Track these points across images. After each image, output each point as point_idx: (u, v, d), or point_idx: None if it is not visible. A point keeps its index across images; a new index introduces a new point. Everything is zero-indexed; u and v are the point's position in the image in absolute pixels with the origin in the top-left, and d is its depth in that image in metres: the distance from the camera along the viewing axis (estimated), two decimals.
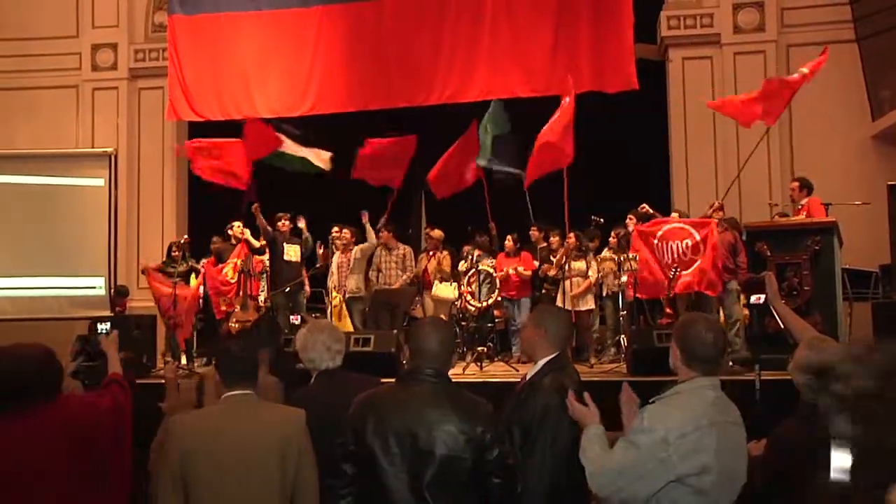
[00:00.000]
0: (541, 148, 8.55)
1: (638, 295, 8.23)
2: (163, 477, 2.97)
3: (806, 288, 7.05)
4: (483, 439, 2.80)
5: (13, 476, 2.91)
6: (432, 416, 2.80)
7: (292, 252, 9.29)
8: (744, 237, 7.79)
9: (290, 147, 9.72)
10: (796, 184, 8.33)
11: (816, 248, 7.08)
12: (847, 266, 7.74)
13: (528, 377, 3.41)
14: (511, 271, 9.15)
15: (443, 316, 8.85)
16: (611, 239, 9.09)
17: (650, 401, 2.78)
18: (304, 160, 9.76)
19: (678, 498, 2.62)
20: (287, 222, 9.29)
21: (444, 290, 9.31)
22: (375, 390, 2.98)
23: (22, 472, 2.91)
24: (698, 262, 7.88)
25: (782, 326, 3.77)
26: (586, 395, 2.97)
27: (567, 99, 8.51)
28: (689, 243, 7.96)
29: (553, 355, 3.34)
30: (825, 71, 8.89)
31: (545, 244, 9.32)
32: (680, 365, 2.80)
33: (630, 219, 8.91)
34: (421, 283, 9.61)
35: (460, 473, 2.77)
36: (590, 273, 8.84)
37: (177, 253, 9.49)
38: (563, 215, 8.49)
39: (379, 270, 9.44)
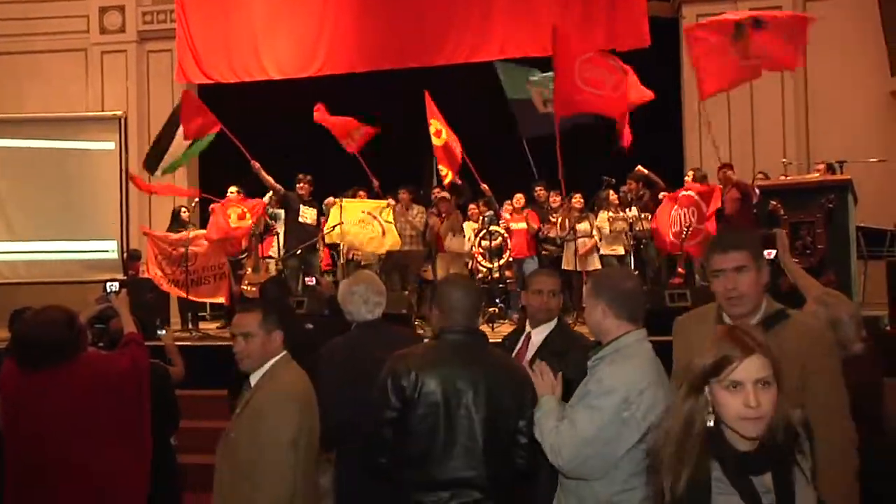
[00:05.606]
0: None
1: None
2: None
3: (820, 246, 6.97)
4: (524, 400, 2.75)
5: (46, 431, 3.12)
6: (479, 375, 2.73)
7: (308, 214, 9.04)
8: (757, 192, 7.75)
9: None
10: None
11: (831, 206, 6.98)
12: (862, 224, 7.66)
13: None
14: (518, 226, 9.15)
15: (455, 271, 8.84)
16: (617, 195, 9.14)
17: (589, 362, 2.65)
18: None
19: (637, 461, 2.46)
20: (306, 185, 8.99)
21: (457, 243, 9.28)
22: (412, 350, 2.85)
23: (54, 427, 3.11)
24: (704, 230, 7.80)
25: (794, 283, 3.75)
26: (541, 363, 2.82)
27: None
28: (695, 211, 7.90)
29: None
30: (843, 25, 8.69)
31: (559, 202, 9.20)
32: (610, 321, 2.64)
33: (629, 183, 9.02)
34: (434, 247, 9.51)
35: (507, 434, 2.72)
36: (593, 233, 8.86)
37: (186, 213, 9.30)
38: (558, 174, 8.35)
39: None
